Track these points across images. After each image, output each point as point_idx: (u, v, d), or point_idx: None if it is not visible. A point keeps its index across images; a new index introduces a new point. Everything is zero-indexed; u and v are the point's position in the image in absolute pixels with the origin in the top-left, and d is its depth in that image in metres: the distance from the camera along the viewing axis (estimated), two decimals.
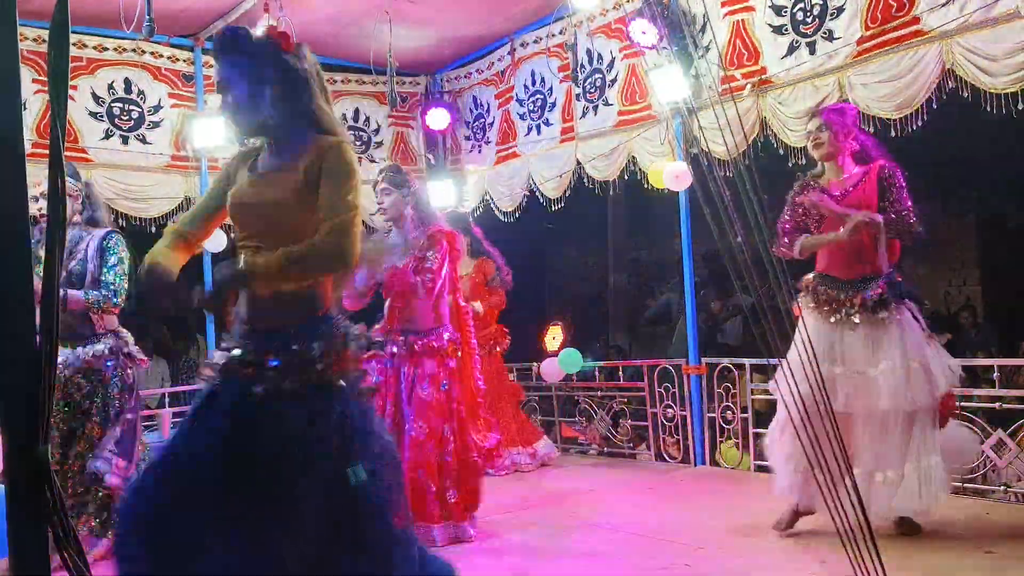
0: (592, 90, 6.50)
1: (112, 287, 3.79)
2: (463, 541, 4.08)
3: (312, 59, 2.27)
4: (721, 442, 5.87)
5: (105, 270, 3.80)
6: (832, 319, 3.79)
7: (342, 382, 2.14)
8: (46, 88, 1.61)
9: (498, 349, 6.22)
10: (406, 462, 3.95)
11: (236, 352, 2.15)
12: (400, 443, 4.02)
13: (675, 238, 6.22)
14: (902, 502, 3.62)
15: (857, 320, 3.74)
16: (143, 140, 6.53)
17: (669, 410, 6.08)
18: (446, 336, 4.24)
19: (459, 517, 4.12)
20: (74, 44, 6.19)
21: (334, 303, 2.23)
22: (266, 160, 2.25)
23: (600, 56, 6.44)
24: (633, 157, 6.16)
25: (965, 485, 4.55)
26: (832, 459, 2.40)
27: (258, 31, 2.19)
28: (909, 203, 3.77)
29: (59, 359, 3.18)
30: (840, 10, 4.91)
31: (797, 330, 3.16)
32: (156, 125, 6.58)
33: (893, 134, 4.73)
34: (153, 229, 6.48)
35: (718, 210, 2.32)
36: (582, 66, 6.49)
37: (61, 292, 3.43)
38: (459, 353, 4.35)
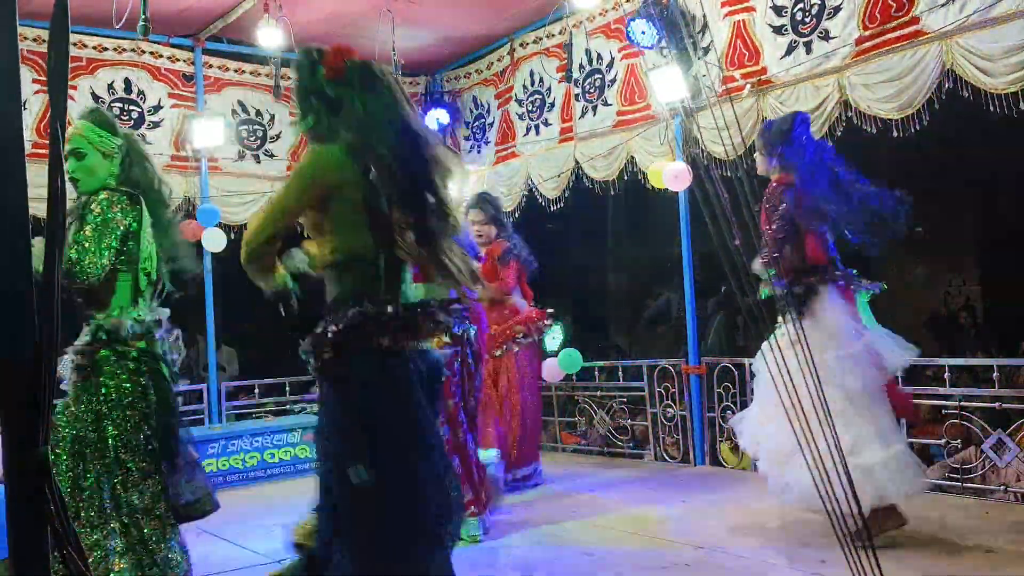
0: (591, 90, 6.50)
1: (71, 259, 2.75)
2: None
3: (358, 83, 2.32)
4: (721, 442, 5.87)
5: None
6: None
7: (342, 369, 2.19)
8: (46, 88, 1.61)
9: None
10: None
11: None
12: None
13: (675, 238, 6.21)
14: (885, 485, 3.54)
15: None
16: (143, 140, 6.51)
17: (669, 410, 6.08)
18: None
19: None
20: (74, 44, 6.19)
21: (365, 287, 2.25)
22: None
23: (599, 56, 6.45)
24: (632, 157, 6.17)
25: (965, 485, 4.55)
26: (826, 452, 2.39)
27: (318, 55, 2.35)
28: (764, 221, 3.73)
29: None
30: (837, 10, 4.91)
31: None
32: (156, 125, 6.59)
33: (895, 134, 4.74)
34: None
35: (715, 210, 2.32)
36: (581, 66, 6.50)
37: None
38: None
